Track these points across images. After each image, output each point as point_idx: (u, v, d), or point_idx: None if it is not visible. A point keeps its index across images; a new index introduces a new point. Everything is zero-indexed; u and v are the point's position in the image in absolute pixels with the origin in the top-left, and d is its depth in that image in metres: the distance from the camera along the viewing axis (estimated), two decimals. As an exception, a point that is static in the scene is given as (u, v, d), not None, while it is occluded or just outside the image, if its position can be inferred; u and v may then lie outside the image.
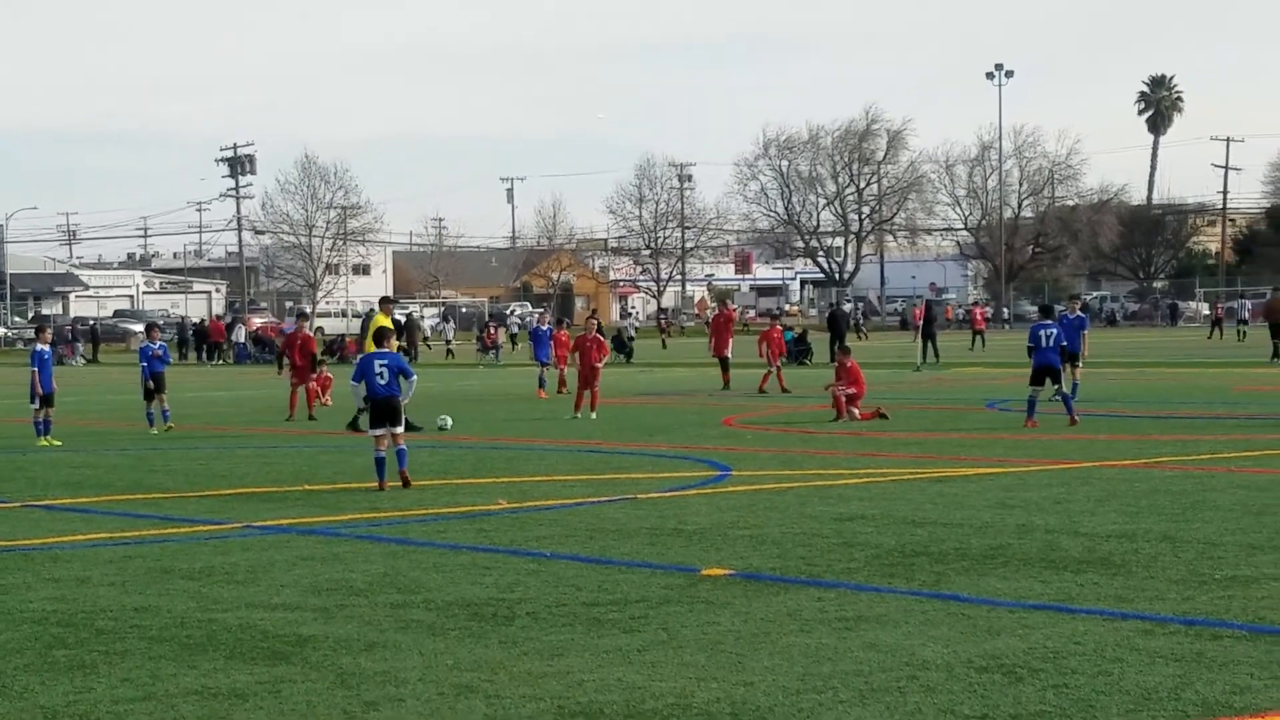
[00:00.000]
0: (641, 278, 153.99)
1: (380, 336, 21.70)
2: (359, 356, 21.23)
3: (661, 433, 29.24)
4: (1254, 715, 8.46)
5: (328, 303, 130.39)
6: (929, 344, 58.44)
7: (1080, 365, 35.84)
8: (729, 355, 44.73)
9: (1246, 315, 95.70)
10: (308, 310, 54.37)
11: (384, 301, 33.09)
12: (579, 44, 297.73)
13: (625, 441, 27.39)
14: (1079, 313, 37.96)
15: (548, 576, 13.42)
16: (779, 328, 44.84)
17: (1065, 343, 36.39)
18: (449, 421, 31.21)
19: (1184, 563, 13.43)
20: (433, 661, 10.26)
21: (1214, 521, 15.85)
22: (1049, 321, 29.91)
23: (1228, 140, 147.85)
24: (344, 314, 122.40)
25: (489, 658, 10.34)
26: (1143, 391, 37.74)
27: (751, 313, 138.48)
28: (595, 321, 36.40)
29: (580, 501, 18.71)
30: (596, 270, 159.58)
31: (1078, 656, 9.94)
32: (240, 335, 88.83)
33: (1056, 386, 29.10)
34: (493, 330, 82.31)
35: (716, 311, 48.22)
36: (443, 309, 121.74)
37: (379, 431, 20.55)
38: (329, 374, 40.48)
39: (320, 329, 52.27)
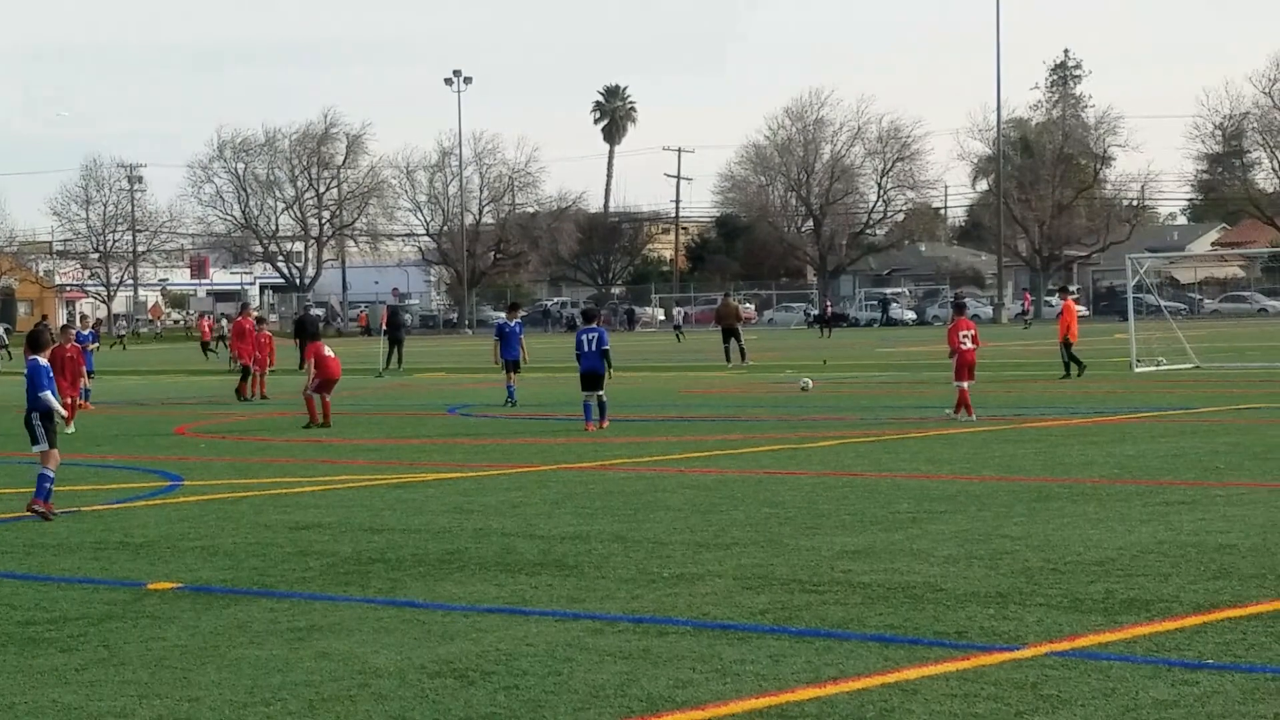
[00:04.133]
0: (90, 282, 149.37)
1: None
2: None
3: (109, 443, 28.43)
4: (695, 708, 8.70)
5: None
6: (395, 349, 58.42)
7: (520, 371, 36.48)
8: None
9: (681, 320, 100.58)
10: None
11: (512, 308, 39.54)
12: (8, 45, 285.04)
13: (69, 452, 26.48)
14: (519, 320, 38.73)
15: (-18, 595, 12.86)
16: (268, 333, 43.76)
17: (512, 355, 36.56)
18: (809, 383, 37.97)
19: (634, 562, 13.75)
20: None
21: (664, 521, 16.30)
22: (591, 326, 29.42)
23: (679, 151, 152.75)
24: None
25: (-82, 682, 9.83)
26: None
27: (210, 318, 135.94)
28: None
29: (18, 516, 17.93)
30: (41, 274, 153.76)
31: (529, 658, 10.06)
32: None
33: None
34: None
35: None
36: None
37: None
38: None
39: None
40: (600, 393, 28.48)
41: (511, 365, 36.21)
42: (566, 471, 21.52)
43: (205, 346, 79.86)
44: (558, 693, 9.15)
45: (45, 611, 12.11)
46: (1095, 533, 14.55)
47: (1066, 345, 41.10)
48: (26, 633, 11.33)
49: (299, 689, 9.40)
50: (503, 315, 41.20)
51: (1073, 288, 72.11)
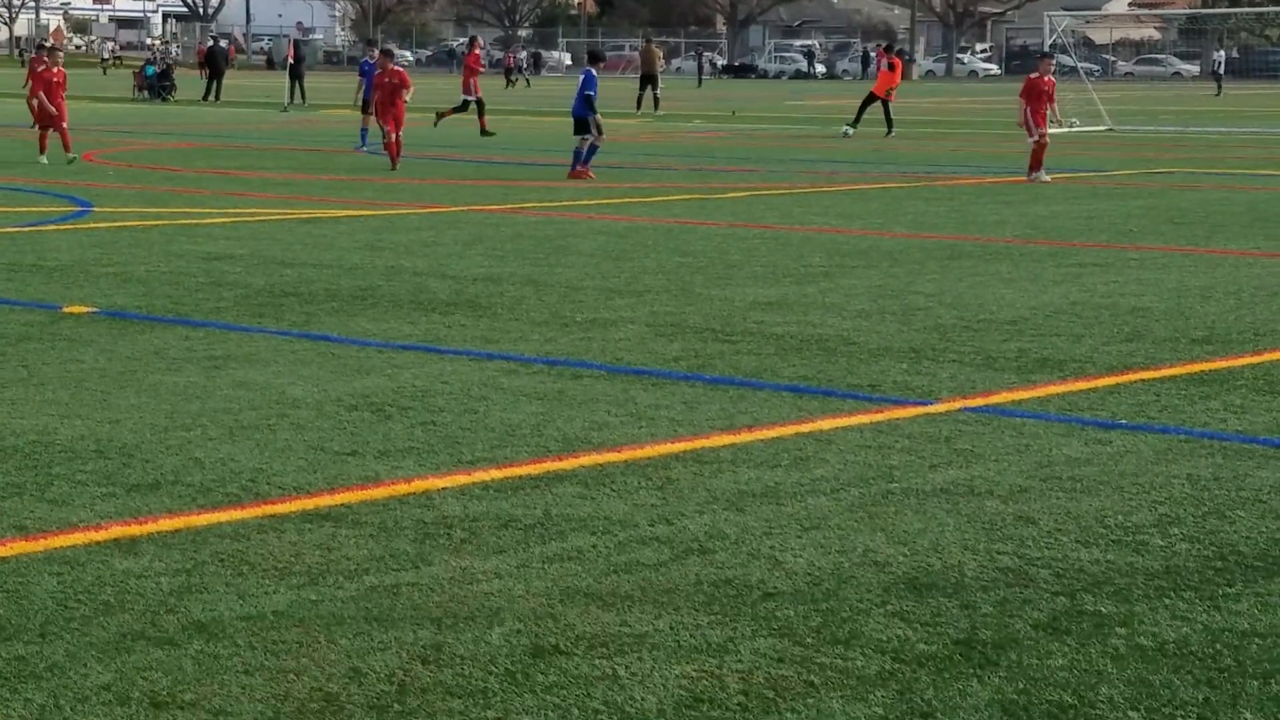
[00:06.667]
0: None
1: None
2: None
3: (17, 166, 28.03)
4: (611, 449, 8.78)
5: None
6: (296, 84, 57.67)
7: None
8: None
9: (526, 64, 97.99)
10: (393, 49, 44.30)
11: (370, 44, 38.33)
12: None
13: (-23, 175, 26.17)
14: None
15: (-104, 313, 12.75)
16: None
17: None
18: (850, 130, 40.12)
19: (547, 305, 13.77)
20: None
21: (576, 266, 16.29)
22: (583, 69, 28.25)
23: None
24: None
25: None
26: (508, 140, 38.34)
27: (111, 45, 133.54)
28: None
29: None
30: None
31: (445, 395, 10.09)
32: None
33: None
34: None
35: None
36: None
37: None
38: None
39: None
40: (588, 137, 27.06)
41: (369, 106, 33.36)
42: (477, 213, 21.43)
43: None
44: (474, 430, 9.19)
45: (-40, 332, 12.05)
46: (1008, 292, 14.67)
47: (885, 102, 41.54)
48: (-58, 352, 11.28)
49: (218, 415, 9.41)
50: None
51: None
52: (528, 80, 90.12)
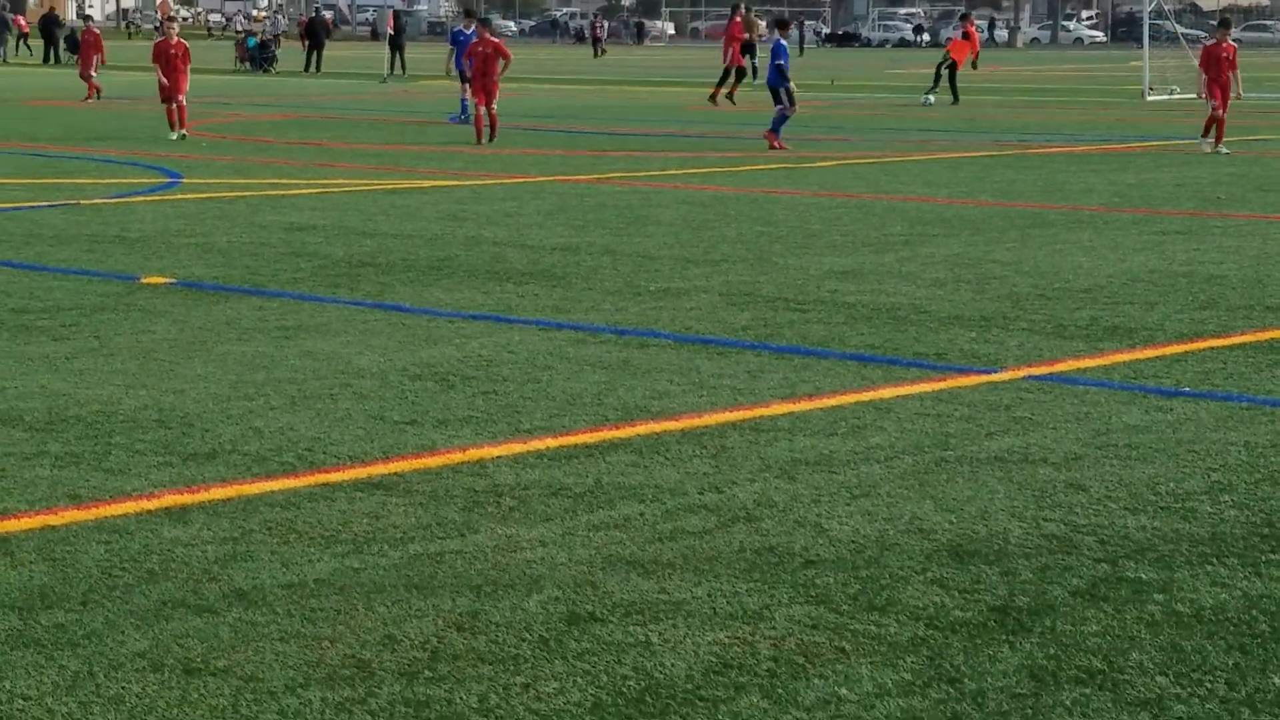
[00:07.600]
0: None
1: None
2: None
3: (112, 138, 28.34)
4: (669, 418, 8.79)
5: None
6: (397, 55, 57.93)
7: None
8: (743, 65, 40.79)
9: (605, 32, 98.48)
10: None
11: (467, 15, 36.13)
12: None
13: (72, 145, 26.46)
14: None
15: (-23, 284, 12.94)
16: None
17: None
18: (931, 99, 40.14)
19: (621, 275, 13.79)
20: None
21: (655, 235, 16.30)
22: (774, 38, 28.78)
23: None
24: None
25: (-93, 367, 9.93)
26: (599, 109, 38.39)
27: (224, 18, 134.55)
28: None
29: (18, 206, 18.05)
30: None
31: (509, 364, 10.13)
32: None
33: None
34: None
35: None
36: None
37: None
38: None
39: None
40: (780, 106, 27.11)
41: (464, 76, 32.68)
42: (562, 183, 21.47)
43: (24, 39, 79.67)
44: (535, 399, 9.23)
45: (39, 300, 12.20)
46: (1087, 260, 14.56)
47: (953, 69, 41.30)
48: (20, 320, 11.42)
49: (282, 385, 9.50)
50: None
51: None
52: (604, 49, 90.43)
